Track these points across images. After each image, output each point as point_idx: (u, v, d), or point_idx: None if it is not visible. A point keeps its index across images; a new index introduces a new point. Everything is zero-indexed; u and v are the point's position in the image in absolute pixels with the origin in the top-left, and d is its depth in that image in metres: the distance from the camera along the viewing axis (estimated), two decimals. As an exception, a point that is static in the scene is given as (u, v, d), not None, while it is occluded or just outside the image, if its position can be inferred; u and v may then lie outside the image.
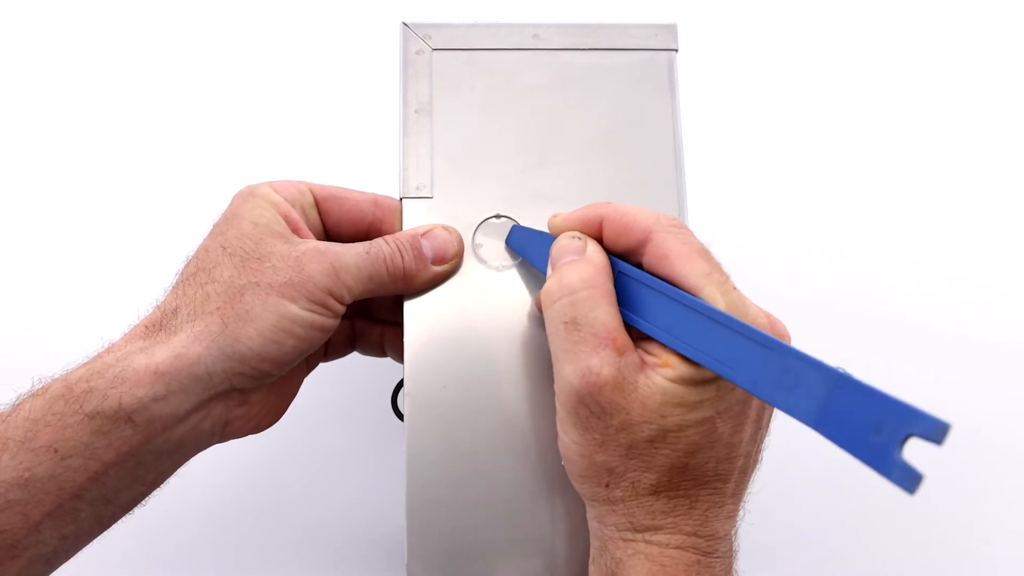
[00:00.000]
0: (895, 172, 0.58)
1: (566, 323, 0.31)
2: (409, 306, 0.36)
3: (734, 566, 0.32)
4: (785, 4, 0.62)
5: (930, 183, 0.58)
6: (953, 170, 0.58)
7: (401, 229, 0.37)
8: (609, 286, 0.31)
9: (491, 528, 0.35)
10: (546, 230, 0.35)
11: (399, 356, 0.41)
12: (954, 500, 0.52)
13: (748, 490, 0.33)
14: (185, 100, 0.59)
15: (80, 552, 0.32)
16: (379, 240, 0.35)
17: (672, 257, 0.30)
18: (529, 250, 0.36)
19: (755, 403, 0.31)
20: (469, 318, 0.36)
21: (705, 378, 0.29)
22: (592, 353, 0.30)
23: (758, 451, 0.33)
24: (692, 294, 0.29)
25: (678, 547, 0.30)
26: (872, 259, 0.56)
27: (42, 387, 0.31)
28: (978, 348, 0.54)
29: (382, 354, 0.42)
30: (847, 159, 0.58)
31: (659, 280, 0.31)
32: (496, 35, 0.39)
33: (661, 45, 0.40)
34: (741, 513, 0.33)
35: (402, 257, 0.35)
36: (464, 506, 0.35)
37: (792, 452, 0.40)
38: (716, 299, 0.29)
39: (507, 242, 0.38)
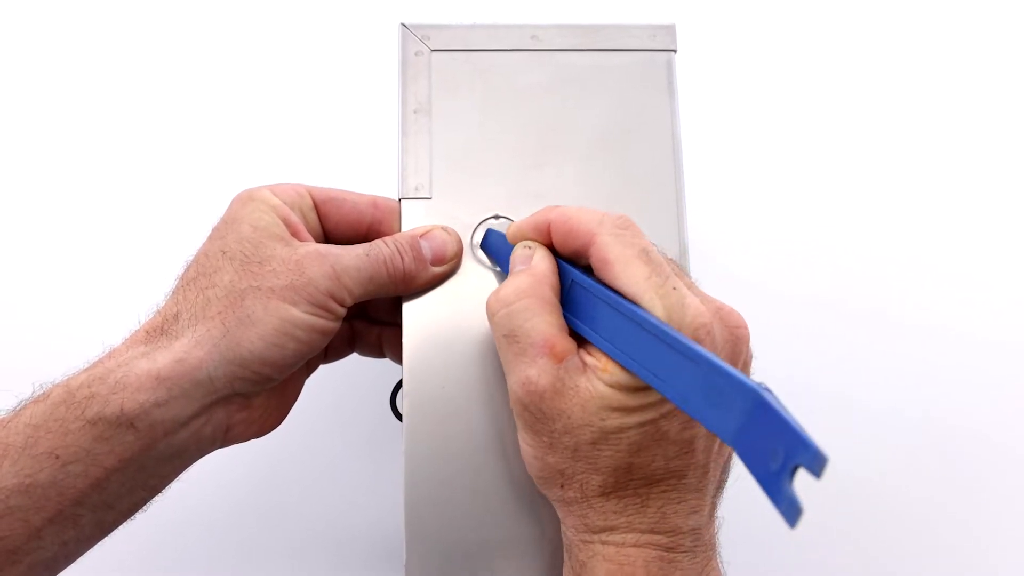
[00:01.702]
0: (895, 172, 0.58)
1: (505, 336, 0.31)
2: (408, 307, 0.36)
3: (714, 559, 0.32)
4: (785, 4, 0.62)
5: (930, 183, 0.58)
6: (953, 170, 0.58)
7: (400, 230, 0.37)
8: (547, 293, 0.32)
9: (490, 528, 0.35)
10: None
11: (397, 357, 0.41)
12: (953, 500, 0.52)
13: (723, 484, 0.33)
14: (184, 102, 0.58)
15: (81, 557, 0.32)
16: (378, 242, 0.35)
17: (612, 262, 0.30)
18: (498, 257, 0.37)
19: None
20: (468, 318, 0.36)
21: (642, 384, 0.29)
22: (530, 363, 0.30)
23: (723, 444, 0.33)
24: (631, 300, 0.29)
25: (635, 545, 0.30)
26: (871, 258, 0.56)
27: (43, 393, 0.31)
28: (978, 348, 0.54)
29: (380, 355, 0.42)
30: (846, 159, 0.58)
31: (600, 286, 0.31)
32: (495, 36, 0.39)
33: (660, 46, 0.40)
34: (710, 507, 0.32)
35: (402, 258, 0.35)
36: (463, 506, 0.35)
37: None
38: (654, 304, 0.28)
39: (481, 246, 0.37)
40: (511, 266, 0.34)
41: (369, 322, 0.42)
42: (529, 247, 0.33)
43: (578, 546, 0.32)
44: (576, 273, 0.32)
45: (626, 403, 0.29)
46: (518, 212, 0.38)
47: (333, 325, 0.34)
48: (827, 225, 0.57)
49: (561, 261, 0.33)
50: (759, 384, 0.24)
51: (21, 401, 0.31)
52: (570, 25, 0.40)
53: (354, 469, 0.52)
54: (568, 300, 0.32)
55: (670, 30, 0.40)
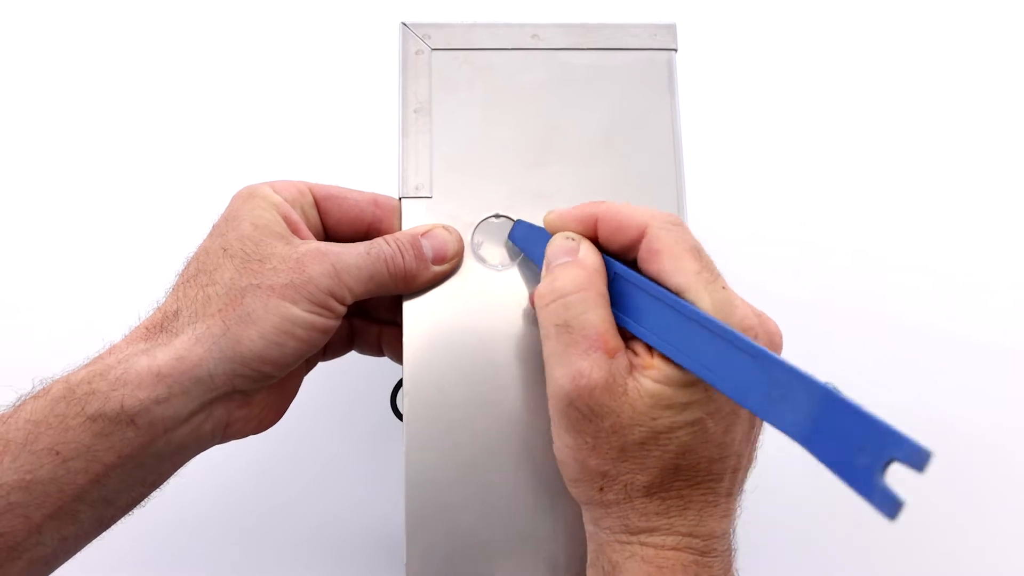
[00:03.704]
0: (895, 172, 0.58)
1: (558, 326, 0.31)
2: (408, 306, 0.36)
3: (733, 565, 0.32)
4: (784, 4, 0.62)
5: (930, 183, 0.58)
6: (953, 170, 0.58)
7: (400, 229, 0.37)
8: (601, 288, 0.32)
9: (490, 529, 0.35)
10: None
11: (396, 356, 0.41)
12: (953, 501, 0.52)
13: (744, 488, 0.33)
14: (185, 100, 0.58)
15: (79, 552, 0.32)
16: (379, 240, 0.35)
17: (662, 253, 0.30)
18: (529, 246, 0.37)
19: None
20: (469, 318, 0.36)
21: (691, 380, 0.29)
22: (583, 356, 0.30)
23: (752, 450, 0.33)
24: (678, 293, 0.29)
25: (674, 548, 0.30)
26: (872, 259, 0.56)
27: (43, 389, 0.31)
28: (977, 348, 0.54)
29: (379, 353, 0.42)
30: (847, 159, 0.58)
31: (649, 281, 0.31)
32: (495, 35, 0.39)
33: (660, 45, 0.40)
34: (737, 511, 0.33)
35: (403, 257, 0.35)
36: (463, 506, 0.35)
37: (788, 449, 0.40)
38: (701, 298, 0.29)
39: (509, 237, 0.38)
40: (552, 256, 0.33)
41: (368, 320, 0.42)
42: (572, 238, 0.33)
43: (612, 547, 0.31)
44: (620, 267, 0.32)
45: (675, 399, 0.29)
46: (518, 212, 0.38)
47: (333, 323, 0.34)
48: (828, 225, 0.57)
49: (604, 255, 0.33)
50: (826, 382, 0.24)
51: (21, 397, 0.31)
52: (570, 24, 0.40)
53: (354, 468, 0.52)
54: (612, 295, 0.32)
55: (671, 29, 0.40)
